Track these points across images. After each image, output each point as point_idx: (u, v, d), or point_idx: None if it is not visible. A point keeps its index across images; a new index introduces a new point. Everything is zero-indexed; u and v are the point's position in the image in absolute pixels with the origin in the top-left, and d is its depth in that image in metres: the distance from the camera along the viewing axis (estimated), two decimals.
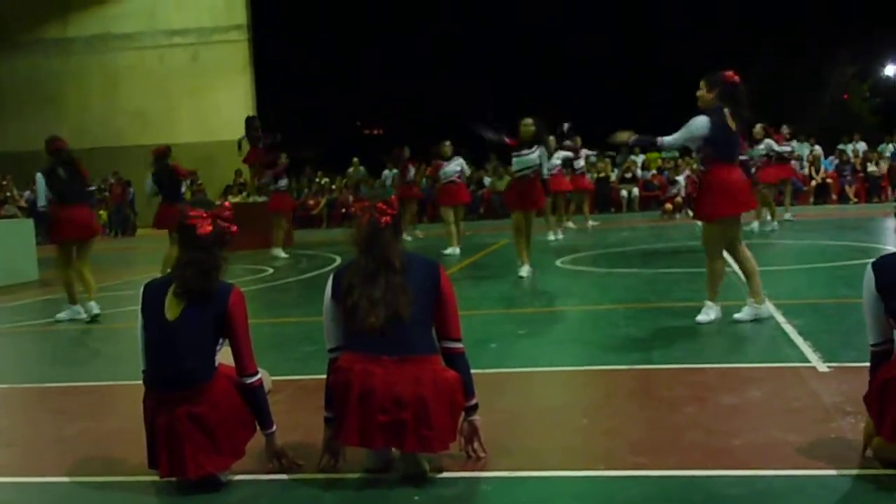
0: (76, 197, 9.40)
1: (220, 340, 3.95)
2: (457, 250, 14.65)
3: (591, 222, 19.65)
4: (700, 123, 7.02)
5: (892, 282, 3.66)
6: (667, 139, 7.31)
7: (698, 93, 7.16)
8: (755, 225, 15.71)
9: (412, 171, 18.62)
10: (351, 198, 23.71)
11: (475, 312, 8.31)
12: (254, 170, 19.02)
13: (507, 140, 11.41)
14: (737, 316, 7.18)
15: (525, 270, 10.97)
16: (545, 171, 11.16)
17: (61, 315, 9.45)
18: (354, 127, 44.45)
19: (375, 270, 3.94)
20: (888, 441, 3.58)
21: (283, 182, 16.57)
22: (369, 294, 3.88)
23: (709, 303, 7.31)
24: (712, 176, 7.12)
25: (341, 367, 3.87)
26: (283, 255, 15.92)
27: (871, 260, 3.83)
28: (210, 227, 4.00)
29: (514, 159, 11.09)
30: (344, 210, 25.02)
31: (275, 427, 4.03)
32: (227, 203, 4.11)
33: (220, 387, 3.87)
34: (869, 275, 3.74)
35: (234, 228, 4.06)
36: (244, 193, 20.40)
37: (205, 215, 4.02)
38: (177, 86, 28.80)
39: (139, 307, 3.99)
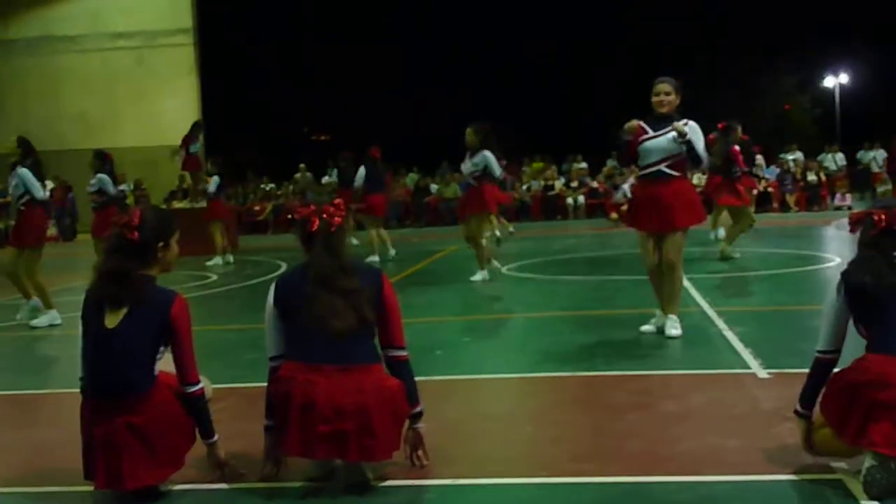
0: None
1: (161, 349, 3.88)
2: (377, 258, 14.26)
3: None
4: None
5: (858, 288, 3.63)
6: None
7: (669, 97, 6.63)
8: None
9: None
10: (296, 204, 23.57)
11: (420, 320, 8.28)
12: (194, 176, 18.81)
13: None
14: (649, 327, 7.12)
15: (479, 276, 11.02)
16: (498, 174, 11.00)
17: (38, 321, 9.05)
18: (301, 133, 44.26)
19: (331, 275, 3.89)
20: (850, 445, 3.55)
21: (213, 188, 16.20)
22: (329, 300, 3.82)
23: (673, 316, 6.97)
24: (689, 183, 7.08)
25: (282, 376, 3.83)
26: (221, 262, 15.72)
27: (828, 266, 3.86)
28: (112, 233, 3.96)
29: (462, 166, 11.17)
30: (290, 216, 24.77)
31: (216, 437, 3.96)
32: (135, 211, 4.02)
33: (159, 396, 3.80)
34: (839, 282, 3.72)
35: (135, 235, 3.88)
36: (187, 199, 20.12)
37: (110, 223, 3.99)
38: (121, 89, 28.35)
39: (80, 314, 3.92)
